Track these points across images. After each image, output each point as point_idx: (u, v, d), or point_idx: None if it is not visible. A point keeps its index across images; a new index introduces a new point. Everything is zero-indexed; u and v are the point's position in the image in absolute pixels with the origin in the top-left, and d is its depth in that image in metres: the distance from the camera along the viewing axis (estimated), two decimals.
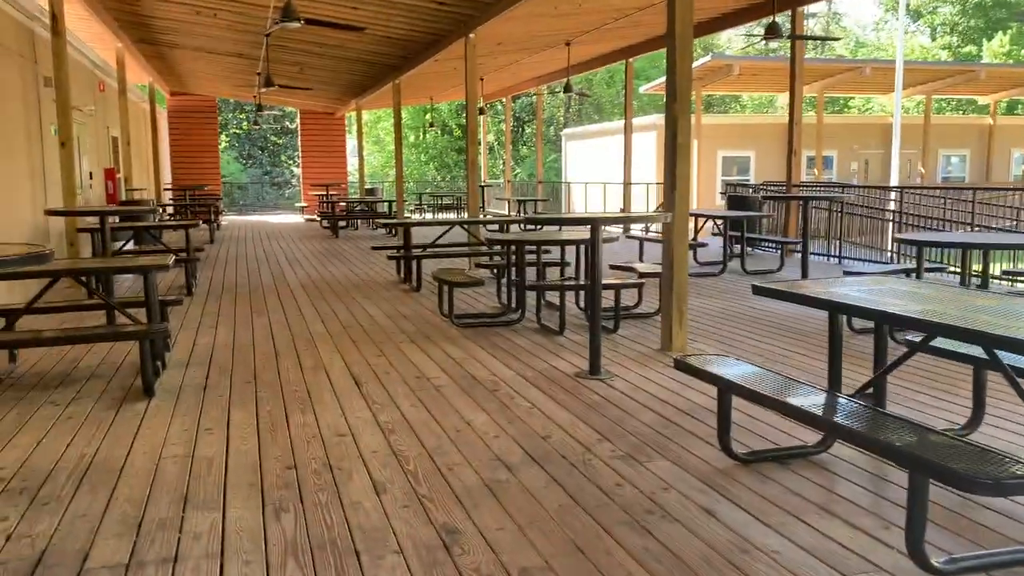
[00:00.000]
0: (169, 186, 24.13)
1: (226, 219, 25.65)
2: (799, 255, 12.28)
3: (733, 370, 3.85)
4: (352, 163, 31.52)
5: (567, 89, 16.22)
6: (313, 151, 28.10)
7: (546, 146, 28.74)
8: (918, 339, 4.03)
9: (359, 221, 21.25)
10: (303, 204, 27.17)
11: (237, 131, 41.21)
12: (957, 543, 2.99)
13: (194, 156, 25.95)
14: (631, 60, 16.65)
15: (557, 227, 7.14)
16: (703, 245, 11.16)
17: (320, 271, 11.75)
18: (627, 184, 17.23)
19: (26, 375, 5.73)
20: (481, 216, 12.87)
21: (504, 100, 25.33)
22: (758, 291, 3.94)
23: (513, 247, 7.63)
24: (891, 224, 15.81)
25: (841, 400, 3.44)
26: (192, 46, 16.22)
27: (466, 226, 10.44)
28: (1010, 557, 2.88)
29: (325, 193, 22.80)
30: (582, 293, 7.58)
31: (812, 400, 3.44)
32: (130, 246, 11.12)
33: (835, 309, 3.57)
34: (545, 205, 20.63)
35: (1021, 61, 42.68)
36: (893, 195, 16.07)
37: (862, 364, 5.41)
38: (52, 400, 5.08)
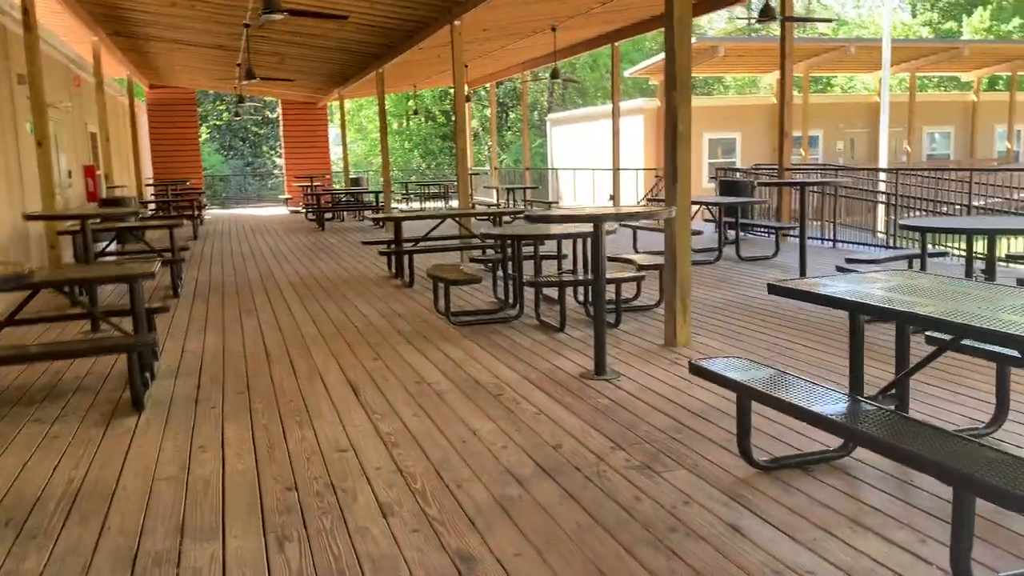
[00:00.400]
0: (150, 181, 23.74)
1: (209, 213, 25.28)
2: (793, 239, 12.17)
3: (750, 374, 3.69)
4: (336, 152, 31.18)
5: (554, 75, 15.98)
6: (296, 142, 27.73)
7: (531, 131, 28.46)
8: (945, 337, 3.87)
9: (345, 213, 21.00)
10: (287, 196, 26.83)
11: (217, 122, 40.70)
12: (999, 557, 2.85)
13: (175, 149, 25.56)
14: (617, 44, 16.43)
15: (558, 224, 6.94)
16: (698, 233, 10.99)
17: (308, 267, 11.52)
18: (616, 170, 17.04)
19: (8, 389, 5.51)
20: (471, 206, 12.66)
21: (488, 86, 25.04)
22: (774, 291, 3.77)
23: (509, 241, 7.44)
24: (882, 206, 15.73)
25: (868, 408, 3.28)
26: (170, 38, 15.86)
27: (458, 219, 10.23)
28: None
29: (309, 185, 22.50)
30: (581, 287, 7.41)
31: (838, 408, 3.29)
32: (113, 246, 10.84)
33: (859, 310, 3.40)
34: (534, 193, 20.43)
35: (1002, 37, 42.68)
36: (883, 176, 15.99)
37: (876, 358, 5.28)
38: (36, 417, 4.86)
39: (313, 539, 3.16)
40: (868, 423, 3.08)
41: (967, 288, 3.52)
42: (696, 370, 3.82)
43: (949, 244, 9.49)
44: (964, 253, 6.62)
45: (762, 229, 12.91)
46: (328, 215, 19.96)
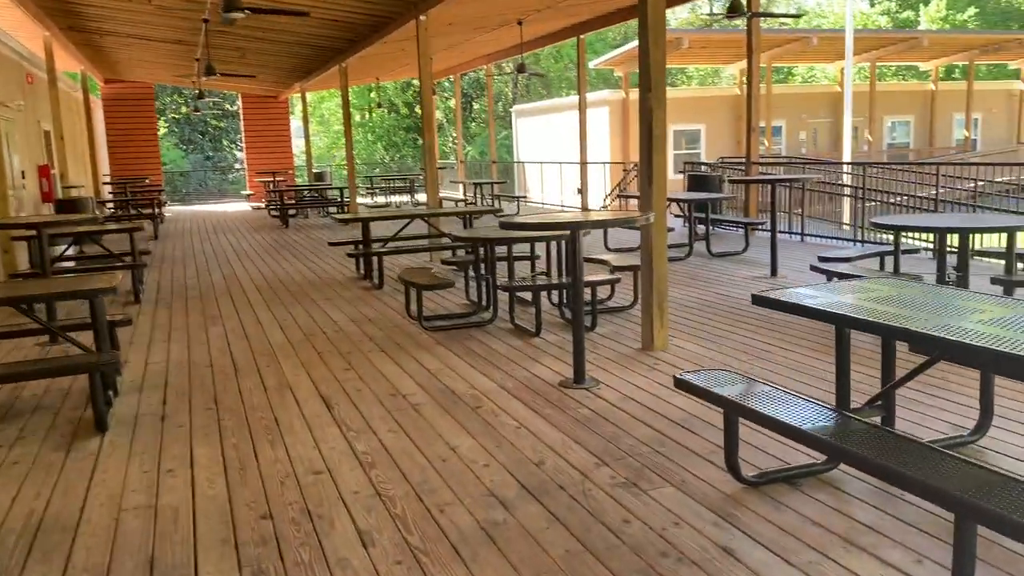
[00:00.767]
0: (108, 179, 23.20)
1: (169, 211, 24.78)
2: (761, 234, 12.19)
3: (737, 389, 3.62)
4: (298, 145, 30.73)
5: (520, 70, 15.84)
6: (257, 136, 27.29)
7: (496, 123, 28.26)
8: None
9: (309, 209, 20.71)
10: (249, 192, 26.40)
11: (176, 116, 39.93)
12: None
13: (132, 145, 25.01)
14: (583, 36, 16.32)
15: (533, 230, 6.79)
16: (669, 230, 10.95)
17: (273, 268, 11.29)
18: (583, 164, 16.97)
19: None
20: (439, 204, 12.48)
21: (452, 77, 24.81)
22: (759, 302, 3.70)
23: (482, 245, 7.32)
24: (848, 199, 15.83)
25: (858, 425, 3.21)
26: (125, 32, 15.44)
27: (428, 219, 10.08)
28: None
29: (272, 181, 22.14)
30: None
31: (827, 425, 3.22)
32: (72, 250, 10.53)
33: (848, 325, 3.34)
34: (501, 188, 20.28)
35: (957, 26, 43.31)
36: (847, 168, 16.10)
37: (856, 361, 5.24)
38: None
39: (291, 573, 3.03)
40: (859, 443, 3.01)
41: (955, 299, 3.47)
42: (682, 385, 3.73)
43: (919, 238, 9.54)
44: (936, 248, 6.62)
45: (730, 224, 12.91)
46: (292, 212, 19.66)
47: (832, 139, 29.60)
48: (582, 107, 16.76)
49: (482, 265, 7.53)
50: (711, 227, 11.60)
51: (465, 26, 14.47)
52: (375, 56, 16.53)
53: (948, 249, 7.01)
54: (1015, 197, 14.93)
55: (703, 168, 16.61)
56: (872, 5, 50.43)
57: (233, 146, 40.30)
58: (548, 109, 30.32)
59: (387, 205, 23.45)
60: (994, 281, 6.07)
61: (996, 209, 13.18)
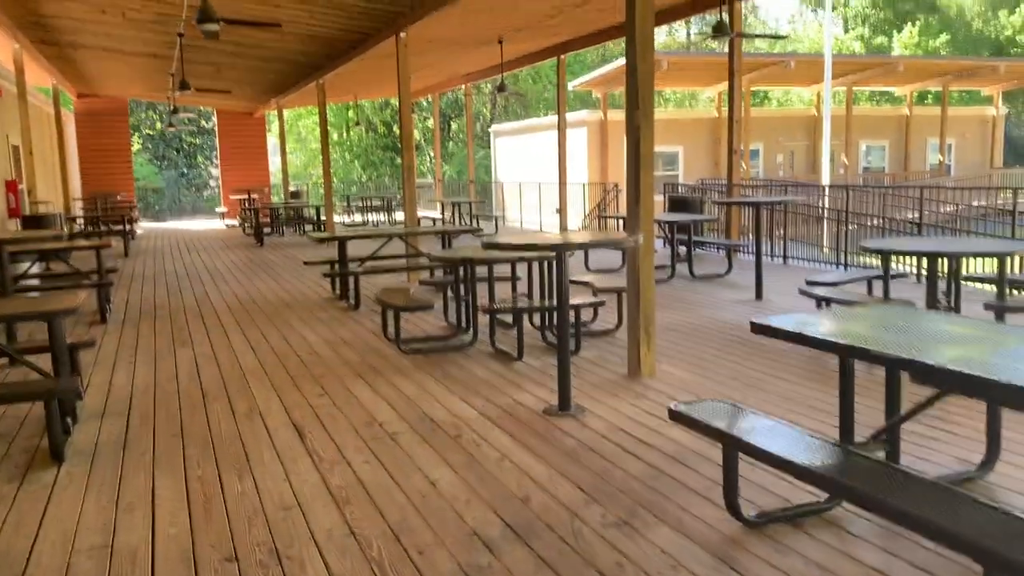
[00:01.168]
0: (79, 195, 22.76)
1: (142, 227, 24.35)
2: (744, 256, 12.08)
3: (735, 422, 3.42)
4: (274, 162, 30.39)
5: (501, 89, 15.69)
6: (232, 153, 26.93)
7: (474, 142, 28.12)
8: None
9: (285, 227, 20.41)
10: (223, 209, 26.01)
11: (150, 131, 39.42)
12: None
13: (105, 161, 24.53)
14: (563, 56, 16.23)
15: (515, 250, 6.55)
16: None
17: (247, 287, 10.99)
18: (563, 184, 16.82)
19: None
20: (417, 223, 12.25)
21: (431, 97, 24.66)
22: (759, 330, 3.50)
23: (461, 266, 7.10)
24: (825, 221, 15.80)
25: (867, 463, 3.01)
26: (98, 46, 15.13)
27: (406, 238, 9.85)
28: None
29: (247, 199, 21.81)
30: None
31: (832, 461, 3.03)
32: (37, 267, 10.18)
33: (854, 355, 3.16)
34: (479, 207, 20.09)
35: (930, 52, 43.92)
36: (827, 191, 16.08)
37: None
38: None
39: None
40: (870, 482, 2.82)
41: (962, 327, 3.31)
42: (677, 417, 3.53)
43: (905, 262, 9.45)
44: (924, 272, 6.49)
45: (712, 245, 12.79)
46: (267, 230, 19.35)
47: (809, 162, 29.76)
48: (562, 127, 16.63)
49: (462, 286, 7.31)
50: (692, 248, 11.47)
51: (446, 44, 14.32)
52: (354, 74, 16.34)
53: (940, 275, 6.88)
54: (994, 221, 14.95)
55: (680, 190, 16.53)
56: (846, 31, 51.11)
57: (208, 163, 39.83)
58: (527, 129, 30.24)
59: (364, 224, 23.18)
60: (987, 307, 5.94)
61: (981, 233, 13.19)
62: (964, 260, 6.81)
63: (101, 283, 8.79)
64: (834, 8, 52.22)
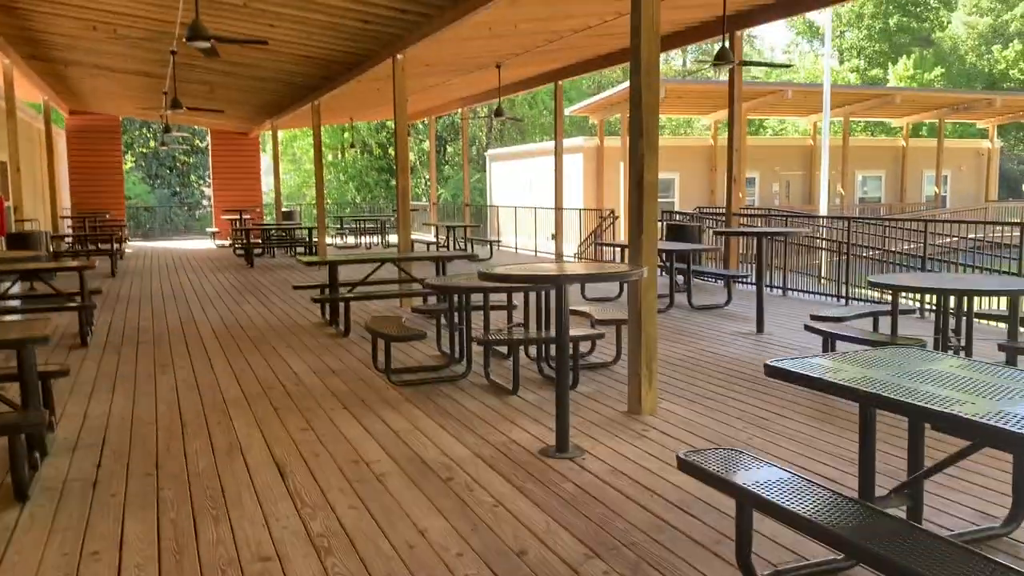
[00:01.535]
0: (68, 213, 22.48)
1: (131, 246, 24.06)
2: (742, 287, 11.87)
3: (750, 476, 3.17)
4: (267, 182, 30.20)
5: (498, 114, 15.55)
6: (225, 173, 26.74)
7: (469, 166, 27.91)
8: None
9: (276, 249, 20.18)
10: (214, 229, 25.75)
11: (143, 150, 39.21)
12: None
13: (96, 179, 24.28)
14: (560, 82, 16.12)
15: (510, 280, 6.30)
16: None
17: (234, 311, 10.72)
18: (559, 209, 16.65)
19: None
20: (411, 247, 12.02)
21: (427, 120, 24.55)
22: (772, 373, 3.26)
23: (456, 294, 6.86)
24: (825, 252, 15.65)
25: (891, 524, 2.76)
26: (90, 63, 14.95)
27: (399, 263, 9.62)
28: None
29: (239, 219, 21.58)
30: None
31: (856, 522, 2.78)
32: (18, 287, 9.89)
33: (878, 405, 2.91)
34: (474, 231, 19.89)
35: (924, 84, 44.15)
36: (823, 222, 15.94)
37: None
38: None
39: None
40: (890, 545, 2.57)
41: (983, 374, 3.08)
42: (687, 467, 3.28)
43: (911, 297, 9.25)
44: (939, 309, 6.28)
45: (710, 275, 12.58)
46: (258, 251, 19.10)
47: (805, 192, 29.72)
48: (558, 151, 16.48)
49: (456, 315, 7.07)
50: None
51: (443, 67, 14.18)
52: (349, 96, 16.18)
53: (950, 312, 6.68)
54: (991, 254, 14.80)
55: (677, 217, 16.35)
56: (842, 62, 51.41)
57: (201, 182, 39.63)
58: (523, 154, 30.16)
59: (357, 246, 22.96)
60: (1001, 348, 5.72)
61: (985, 268, 13.02)
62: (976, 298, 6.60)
63: (83, 305, 8.52)
64: (831, 39, 52.63)
